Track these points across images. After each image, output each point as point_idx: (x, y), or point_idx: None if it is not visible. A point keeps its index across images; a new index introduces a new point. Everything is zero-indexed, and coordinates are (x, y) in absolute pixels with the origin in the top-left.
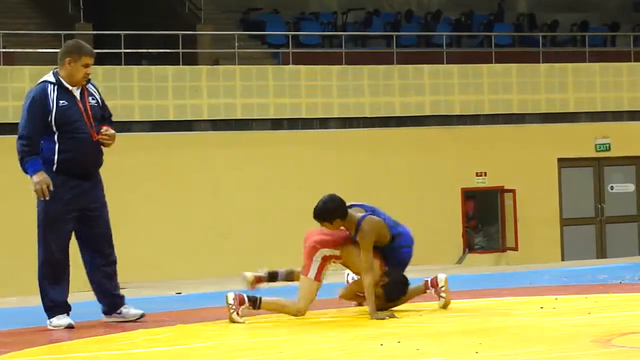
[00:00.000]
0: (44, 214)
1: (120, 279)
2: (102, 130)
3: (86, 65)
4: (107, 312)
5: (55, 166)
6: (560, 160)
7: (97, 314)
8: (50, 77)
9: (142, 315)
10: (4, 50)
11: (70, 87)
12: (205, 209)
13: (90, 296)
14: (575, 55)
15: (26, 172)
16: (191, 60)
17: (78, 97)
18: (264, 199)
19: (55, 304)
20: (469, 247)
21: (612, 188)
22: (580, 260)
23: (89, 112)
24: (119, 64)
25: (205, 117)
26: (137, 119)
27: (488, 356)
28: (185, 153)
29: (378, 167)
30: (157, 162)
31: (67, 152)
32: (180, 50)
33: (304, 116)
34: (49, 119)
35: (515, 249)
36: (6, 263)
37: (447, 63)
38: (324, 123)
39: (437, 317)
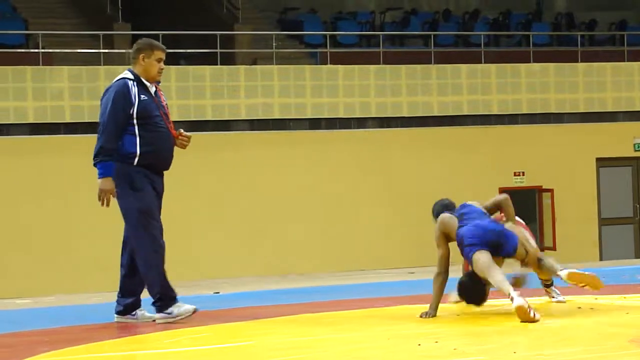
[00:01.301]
0: (138, 208)
1: None
2: (181, 131)
3: (159, 60)
4: (122, 312)
5: (137, 159)
6: (598, 159)
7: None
8: (127, 74)
9: (154, 320)
10: (42, 50)
11: (147, 84)
12: (243, 209)
13: None
14: (613, 54)
15: (95, 165)
16: (229, 60)
17: (153, 94)
18: (301, 198)
19: (169, 292)
20: None
21: None
22: (618, 260)
23: (165, 109)
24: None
25: (243, 117)
26: (175, 118)
27: (526, 356)
28: (223, 153)
29: (415, 166)
30: (194, 161)
31: (149, 145)
32: (218, 50)
33: (341, 116)
34: (131, 111)
35: (554, 248)
36: (44, 263)
37: (485, 62)
38: (361, 123)
39: (475, 317)
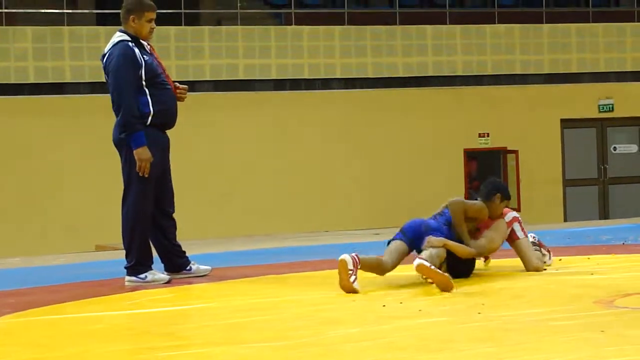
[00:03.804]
0: (144, 176)
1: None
2: (177, 84)
3: (150, 20)
4: (174, 271)
5: (150, 118)
6: (563, 121)
7: (103, 274)
8: (124, 36)
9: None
10: (5, 10)
11: (144, 43)
12: (208, 170)
13: (94, 256)
14: (578, 15)
15: (127, 139)
16: (193, 20)
17: (149, 52)
18: (266, 159)
19: (147, 260)
20: None
21: (615, 149)
22: (583, 221)
23: (163, 66)
24: (121, 24)
25: (208, 78)
26: None
27: (490, 316)
28: (187, 114)
29: (381, 127)
30: None
31: (161, 103)
32: (183, 11)
33: (306, 77)
34: (140, 73)
35: (518, 209)
36: (9, 225)
37: (450, 23)
38: (326, 84)
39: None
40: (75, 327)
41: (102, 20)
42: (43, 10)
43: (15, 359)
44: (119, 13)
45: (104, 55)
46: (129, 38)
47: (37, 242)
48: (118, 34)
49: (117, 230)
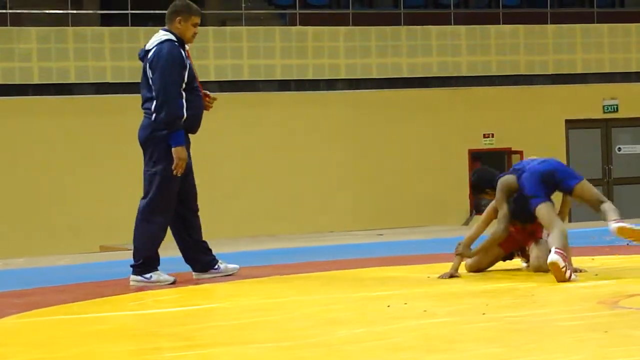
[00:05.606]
0: (168, 176)
1: (127, 240)
2: (207, 92)
3: (195, 25)
4: (202, 270)
5: (182, 122)
6: (567, 121)
7: (108, 274)
8: (169, 35)
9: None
10: (10, 11)
11: (186, 46)
12: (212, 170)
13: (99, 257)
14: (583, 15)
15: (168, 137)
16: None
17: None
18: (270, 160)
19: (154, 261)
20: (476, 208)
21: (619, 149)
22: (587, 222)
23: (196, 73)
24: (126, 25)
25: (212, 78)
26: None
27: (495, 317)
28: None
29: (385, 128)
30: None
31: (193, 108)
32: None
33: (310, 77)
34: (184, 74)
35: None
36: (14, 225)
37: (455, 24)
38: (331, 84)
39: (445, 280)
40: (81, 327)
41: (107, 21)
42: (47, 11)
43: (20, 359)
44: (123, 14)
45: (145, 51)
46: (175, 38)
47: (41, 243)
48: (163, 32)
49: (122, 231)
